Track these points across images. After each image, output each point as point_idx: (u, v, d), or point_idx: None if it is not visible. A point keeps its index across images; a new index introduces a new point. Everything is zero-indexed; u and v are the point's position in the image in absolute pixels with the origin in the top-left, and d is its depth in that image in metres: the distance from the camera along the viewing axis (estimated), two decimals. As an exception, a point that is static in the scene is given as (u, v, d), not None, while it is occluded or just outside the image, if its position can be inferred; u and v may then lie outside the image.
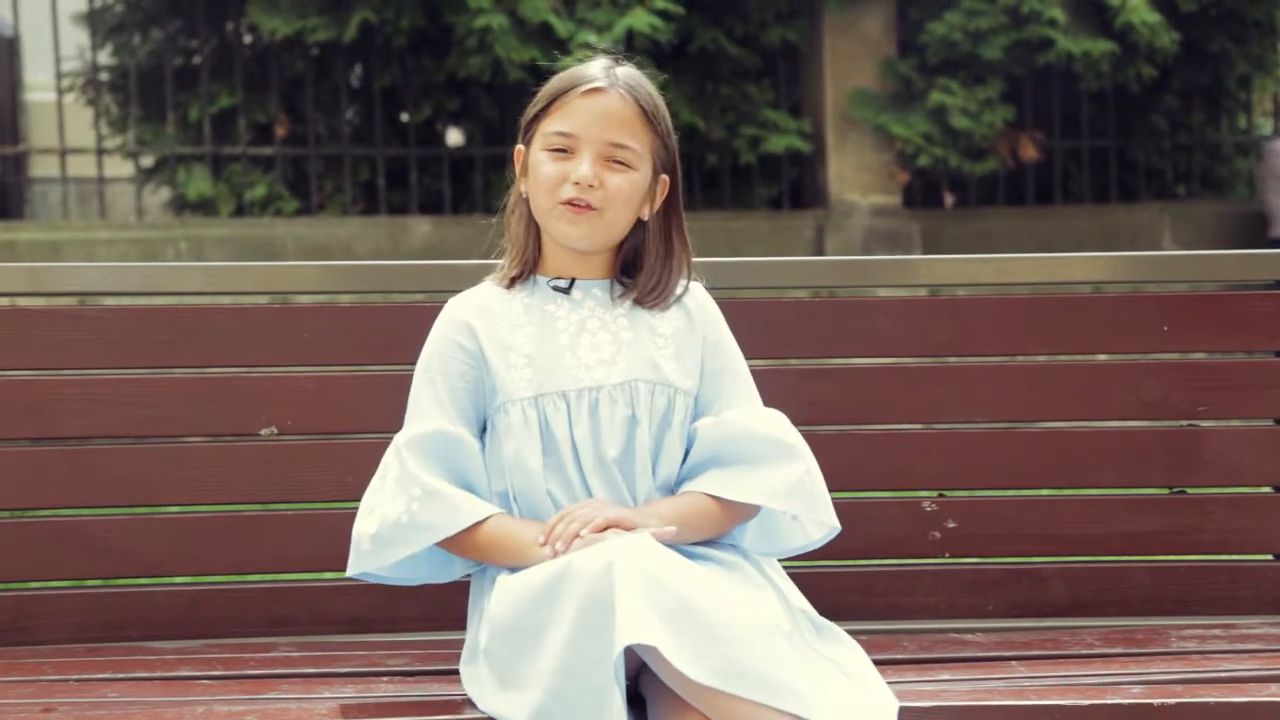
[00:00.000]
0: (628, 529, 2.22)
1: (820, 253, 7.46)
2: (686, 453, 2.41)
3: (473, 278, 2.54)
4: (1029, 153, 7.76)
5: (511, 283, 2.45)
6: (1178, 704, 2.31)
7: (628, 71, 2.42)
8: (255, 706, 2.31)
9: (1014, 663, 2.54)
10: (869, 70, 7.57)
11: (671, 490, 2.40)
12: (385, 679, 2.49)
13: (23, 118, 8.59)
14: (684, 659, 2.03)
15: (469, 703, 2.30)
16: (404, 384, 2.72)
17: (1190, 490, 2.86)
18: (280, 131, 7.41)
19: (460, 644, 2.46)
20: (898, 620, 2.81)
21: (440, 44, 7.19)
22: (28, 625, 2.73)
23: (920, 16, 7.46)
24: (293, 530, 2.77)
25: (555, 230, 2.40)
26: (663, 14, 6.81)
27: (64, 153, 7.47)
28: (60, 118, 7.46)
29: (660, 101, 2.44)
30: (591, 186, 2.35)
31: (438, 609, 2.75)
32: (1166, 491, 2.87)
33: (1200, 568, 2.88)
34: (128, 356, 2.75)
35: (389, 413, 2.73)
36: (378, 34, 7.05)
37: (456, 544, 2.33)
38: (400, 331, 2.75)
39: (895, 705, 2.23)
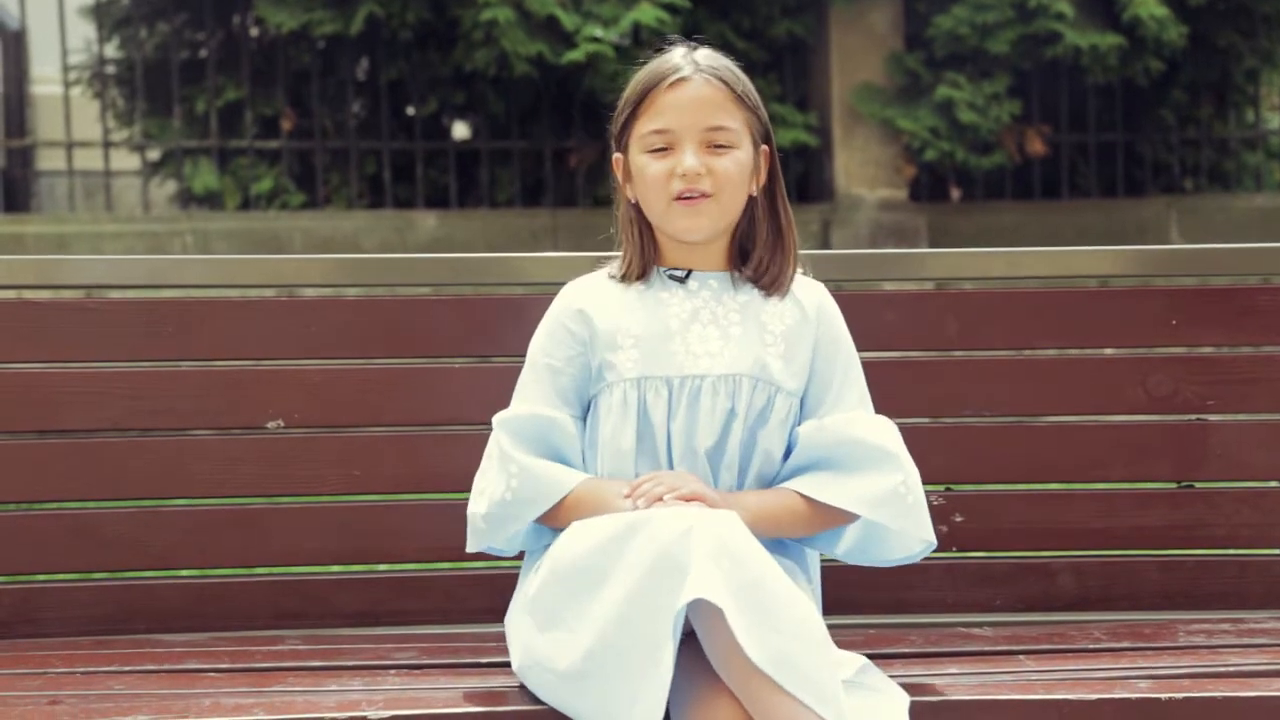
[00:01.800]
0: (709, 505, 2.23)
1: (827, 246, 7.44)
2: (788, 455, 2.41)
3: (478, 271, 2.54)
4: (1036, 147, 7.74)
5: (631, 280, 2.45)
6: (1185, 698, 2.31)
7: (706, 54, 2.42)
8: (262, 699, 2.31)
9: (1022, 657, 2.54)
10: (876, 64, 7.55)
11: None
12: (393, 672, 2.48)
13: (29, 111, 8.59)
14: (747, 636, 2.04)
15: (477, 696, 2.30)
16: (411, 376, 2.73)
17: (1198, 484, 2.86)
18: (286, 125, 7.40)
19: (469, 637, 2.46)
20: (905, 614, 2.81)
21: (446, 37, 7.18)
22: (35, 618, 2.74)
23: (927, 10, 7.44)
24: (300, 523, 2.77)
25: (675, 228, 2.39)
26: (669, 7, 6.79)
27: (70, 146, 7.47)
28: (67, 111, 7.46)
29: (744, 76, 2.43)
30: (700, 174, 2.35)
31: (446, 602, 2.75)
32: (1174, 486, 2.86)
33: (1208, 562, 2.87)
34: (134, 349, 2.75)
35: (396, 405, 2.74)
36: (384, 27, 7.05)
37: (553, 516, 2.34)
38: (406, 324, 2.75)
39: (905, 701, 2.23)
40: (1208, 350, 2.92)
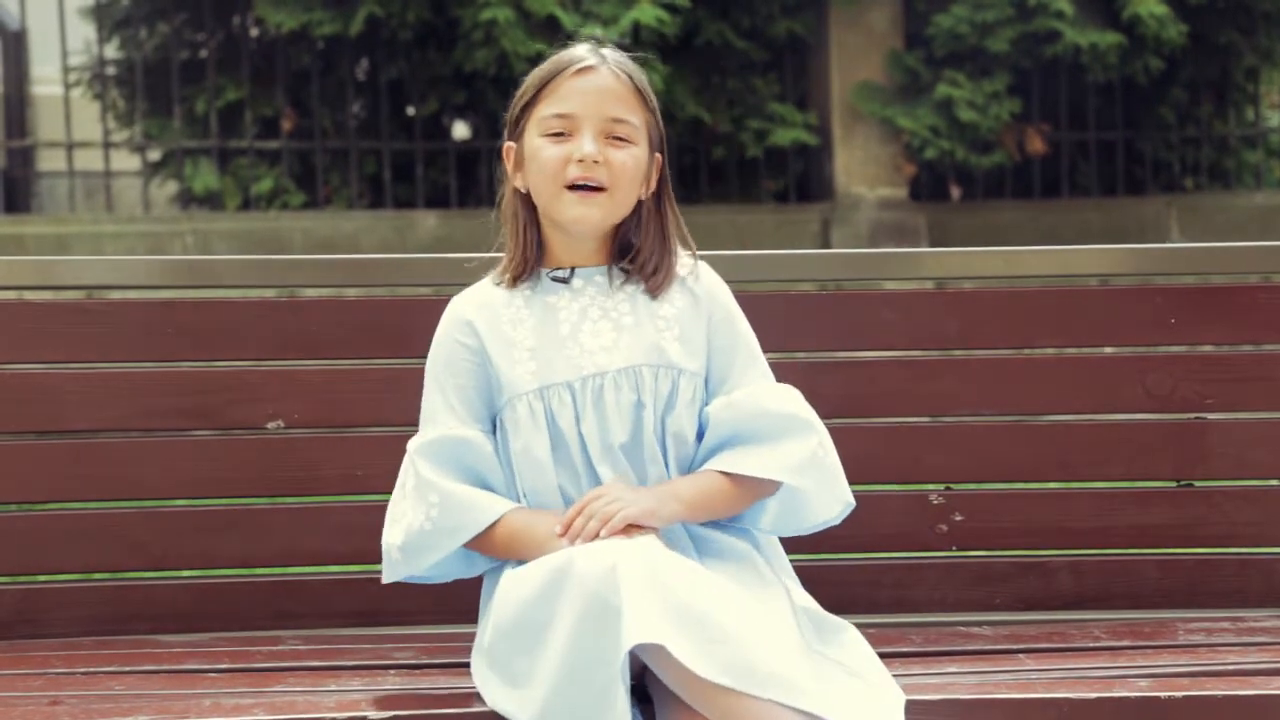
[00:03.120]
0: (646, 522, 2.22)
1: (827, 246, 7.44)
2: (701, 436, 2.40)
3: (479, 271, 2.53)
4: (1036, 145, 7.74)
5: (514, 283, 2.43)
6: (1185, 697, 2.31)
7: (613, 52, 2.41)
8: (262, 699, 2.32)
9: (1021, 656, 2.54)
10: (876, 63, 7.55)
11: (688, 473, 2.38)
12: (393, 672, 2.49)
13: (30, 111, 8.58)
14: (692, 657, 2.02)
15: (476, 696, 2.30)
16: (410, 377, 2.73)
17: (1198, 483, 2.86)
18: (286, 125, 7.40)
19: (468, 636, 2.46)
20: (904, 613, 2.81)
21: (446, 37, 7.18)
22: (35, 618, 2.74)
23: (927, 9, 7.44)
24: (299, 524, 2.77)
25: (565, 216, 2.37)
26: (669, 7, 6.80)
27: (71, 146, 7.47)
28: (67, 111, 7.46)
29: (647, 81, 2.42)
30: (597, 163, 2.33)
31: (445, 602, 2.75)
32: (1174, 484, 2.86)
33: (1208, 560, 2.87)
34: (134, 350, 2.75)
35: (395, 406, 2.74)
36: (384, 27, 7.05)
37: (479, 544, 2.33)
38: (407, 325, 2.75)
39: (902, 699, 2.23)
40: (1208, 349, 2.92)
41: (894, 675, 2.31)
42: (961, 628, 2.75)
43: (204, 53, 7.55)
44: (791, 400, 2.40)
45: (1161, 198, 8.07)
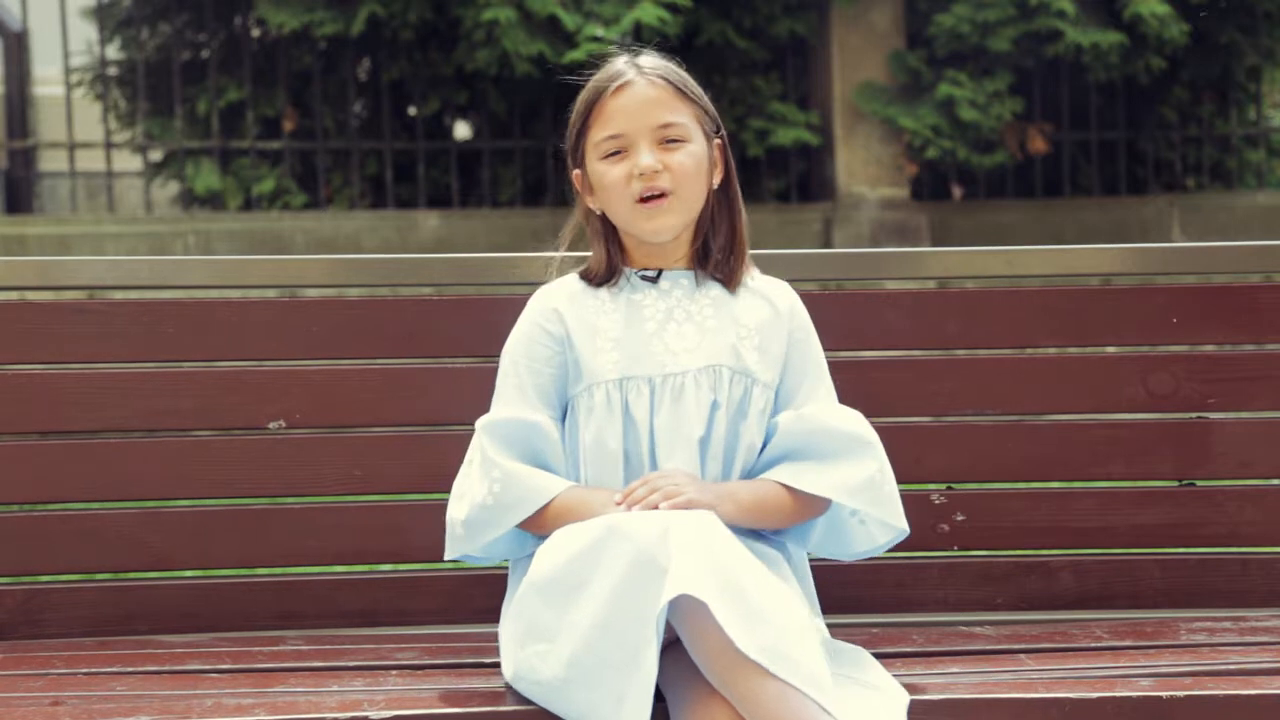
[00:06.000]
0: (703, 508, 2.23)
1: (828, 246, 7.44)
2: (765, 445, 2.42)
3: (480, 271, 2.54)
4: (1038, 145, 7.74)
5: (600, 284, 2.47)
6: (1187, 696, 2.30)
7: (647, 58, 2.45)
8: (264, 700, 2.32)
9: (1022, 655, 2.54)
10: (877, 62, 7.55)
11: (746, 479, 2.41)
12: (394, 673, 2.49)
13: (31, 112, 8.58)
14: (735, 628, 2.04)
15: (480, 697, 2.30)
16: (413, 376, 2.73)
17: (1199, 482, 2.86)
18: (288, 125, 7.40)
19: (470, 637, 2.46)
20: (906, 613, 2.81)
21: (448, 37, 7.17)
22: (37, 619, 2.74)
23: (928, 9, 7.43)
24: (301, 524, 2.77)
25: (642, 230, 2.42)
26: (670, 7, 6.79)
27: (72, 147, 7.47)
28: (69, 112, 7.46)
29: (684, 72, 2.46)
30: (657, 172, 2.37)
31: (448, 602, 2.75)
32: (1176, 484, 2.86)
33: (1210, 560, 2.87)
34: (136, 350, 2.75)
35: (398, 406, 2.74)
36: (385, 27, 7.05)
37: (536, 522, 2.34)
38: (408, 325, 2.75)
39: (905, 699, 2.23)
40: (1209, 348, 2.91)
41: (895, 675, 2.31)
42: (963, 627, 2.75)
43: (205, 53, 7.55)
44: (858, 422, 2.43)
45: (1163, 197, 8.07)
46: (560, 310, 2.44)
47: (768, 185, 7.76)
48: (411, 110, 7.63)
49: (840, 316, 2.81)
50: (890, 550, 2.82)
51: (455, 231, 7.16)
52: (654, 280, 2.45)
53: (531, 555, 2.33)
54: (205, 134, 7.38)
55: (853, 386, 2.80)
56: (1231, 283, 2.89)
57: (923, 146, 7.31)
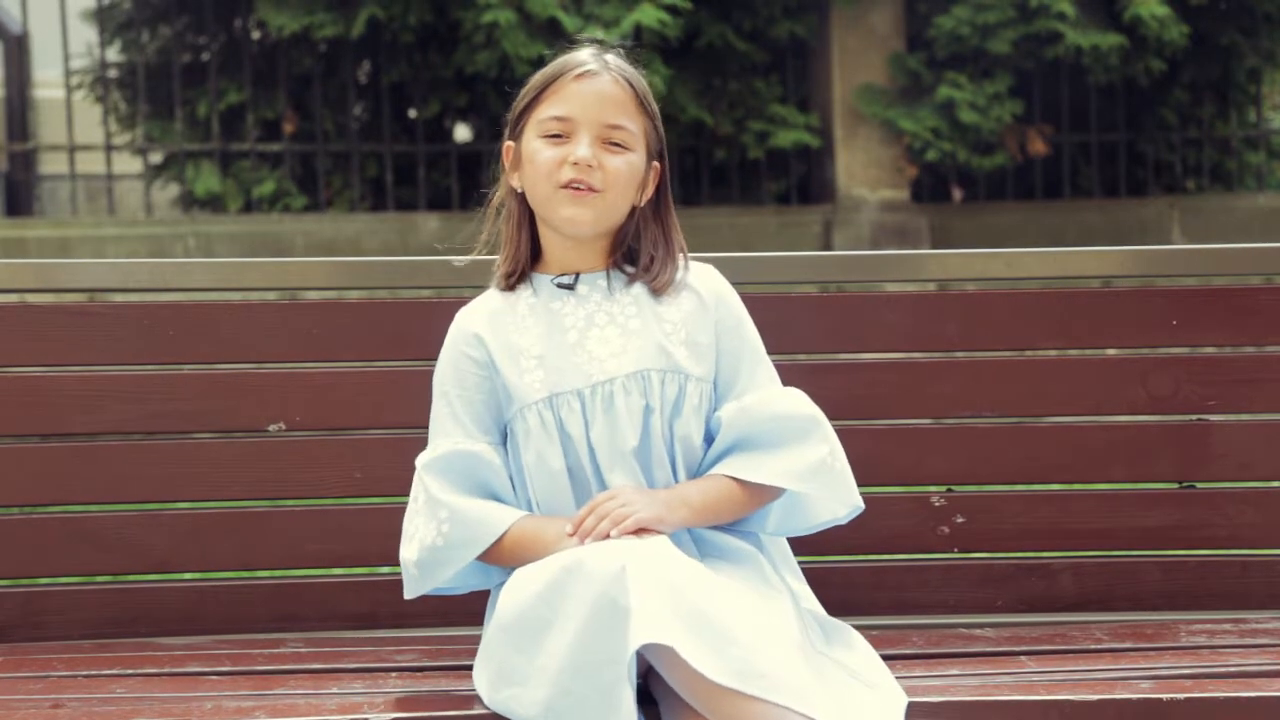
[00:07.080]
0: (657, 527, 2.22)
1: (828, 248, 7.44)
2: (711, 440, 2.40)
3: (480, 272, 2.54)
4: (1037, 147, 7.74)
5: (509, 283, 2.43)
6: (1187, 699, 2.30)
7: (616, 58, 2.42)
8: (264, 702, 2.32)
9: (1023, 658, 2.54)
10: (877, 65, 7.55)
11: (695, 477, 2.38)
12: (394, 675, 2.49)
13: (31, 114, 8.59)
14: (701, 659, 2.03)
15: (478, 699, 2.30)
16: (412, 379, 2.73)
17: (1200, 485, 2.86)
18: (288, 128, 7.41)
19: (469, 639, 2.46)
20: (906, 615, 2.81)
21: (448, 40, 7.18)
22: (37, 621, 2.74)
23: (928, 10, 7.44)
24: (301, 526, 2.77)
25: (558, 216, 2.37)
26: (670, 9, 6.79)
27: (73, 149, 7.47)
28: (69, 114, 7.47)
29: (648, 88, 2.43)
30: (591, 167, 2.34)
31: (448, 604, 2.74)
32: (1176, 486, 2.86)
33: (1210, 562, 2.87)
34: (136, 353, 2.75)
35: (397, 408, 2.74)
36: (385, 30, 7.05)
37: (491, 555, 2.32)
38: (408, 327, 2.75)
39: (904, 701, 2.23)
40: (1209, 350, 2.91)
41: (895, 677, 2.31)
42: (963, 629, 2.74)
43: (206, 55, 7.55)
44: (801, 403, 2.40)
45: (1163, 199, 8.07)
46: (480, 335, 2.40)
47: (767, 187, 7.77)
48: (412, 113, 7.64)
49: (840, 319, 2.81)
50: (890, 552, 2.83)
51: (455, 234, 7.14)
52: (571, 287, 2.41)
53: (503, 585, 2.31)
54: (205, 136, 7.38)
55: (852, 389, 2.80)
56: (1232, 285, 2.89)
57: (923, 148, 7.31)
